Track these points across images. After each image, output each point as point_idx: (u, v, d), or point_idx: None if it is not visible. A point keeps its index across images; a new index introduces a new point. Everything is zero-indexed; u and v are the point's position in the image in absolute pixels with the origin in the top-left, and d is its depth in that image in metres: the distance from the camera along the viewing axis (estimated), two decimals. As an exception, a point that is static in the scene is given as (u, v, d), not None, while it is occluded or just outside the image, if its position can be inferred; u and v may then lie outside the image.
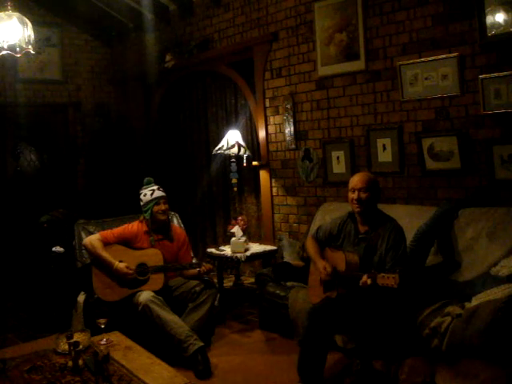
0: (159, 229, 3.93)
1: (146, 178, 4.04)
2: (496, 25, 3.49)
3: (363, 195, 3.11)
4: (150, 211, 3.87)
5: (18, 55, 3.17)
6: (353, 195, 3.15)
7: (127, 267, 3.66)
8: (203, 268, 3.79)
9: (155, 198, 3.88)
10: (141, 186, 4.02)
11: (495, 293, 2.93)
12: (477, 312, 2.81)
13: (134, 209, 4.13)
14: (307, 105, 4.80)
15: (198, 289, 3.74)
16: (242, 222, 4.75)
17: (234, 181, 5.05)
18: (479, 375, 2.64)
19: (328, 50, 4.53)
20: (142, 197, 3.94)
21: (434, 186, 3.96)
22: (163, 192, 3.96)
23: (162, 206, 3.88)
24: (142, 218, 3.94)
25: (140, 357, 2.70)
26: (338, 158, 4.58)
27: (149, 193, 3.91)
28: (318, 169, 4.75)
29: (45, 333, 3.87)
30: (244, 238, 4.60)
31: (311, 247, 3.36)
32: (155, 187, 3.95)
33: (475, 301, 2.98)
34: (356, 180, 3.18)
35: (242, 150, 4.88)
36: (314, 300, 3.20)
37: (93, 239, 3.80)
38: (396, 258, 3.00)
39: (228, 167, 5.35)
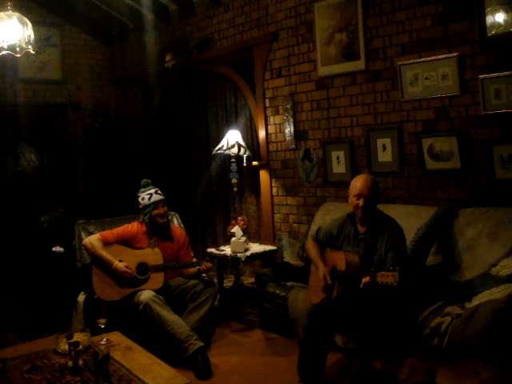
0: (159, 229, 3.93)
1: (144, 180, 4.00)
2: (496, 25, 3.50)
3: (368, 202, 3.09)
4: (148, 215, 3.87)
5: (18, 55, 3.18)
6: (357, 201, 3.11)
7: (126, 267, 3.67)
8: (203, 266, 3.79)
9: (153, 203, 3.86)
10: (140, 186, 4.01)
11: (495, 293, 2.94)
12: (477, 312, 2.81)
13: (133, 209, 4.12)
14: (307, 105, 4.80)
15: (198, 289, 3.74)
16: (242, 222, 4.75)
17: (234, 181, 5.04)
18: (479, 375, 2.64)
19: (328, 50, 4.53)
20: (140, 200, 3.92)
21: (434, 186, 3.96)
22: (161, 195, 3.94)
23: (161, 210, 3.87)
24: (141, 218, 3.94)
25: (140, 357, 2.71)
26: (338, 158, 4.57)
27: (146, 197, 3.88)
28: (318, 169, 4.74)
29: (45, 333, 3.87)
30: (244, 238, 4.59)
31: (312, 249, 3.36)
32: (153, 190, 3.92)
33: (475, 301, 2.99)
34: (360, 186, 3.12)
35: (242, 149, 4.88)
36: (314, 300, 3.20)
37: (93, 239, 3.81)
38: (396, 258, 3.00)
39: (228, 167, 5.35)
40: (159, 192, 3.95)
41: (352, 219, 3.25)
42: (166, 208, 3.92)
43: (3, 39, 3.06)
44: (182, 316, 3.62)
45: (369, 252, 3.10)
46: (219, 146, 4.99)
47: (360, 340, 3.19)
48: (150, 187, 3.96)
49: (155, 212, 3.86)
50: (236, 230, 4.68)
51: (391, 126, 4.16)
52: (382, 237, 3.09)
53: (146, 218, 3.89)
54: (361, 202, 3.10)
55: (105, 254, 3.72)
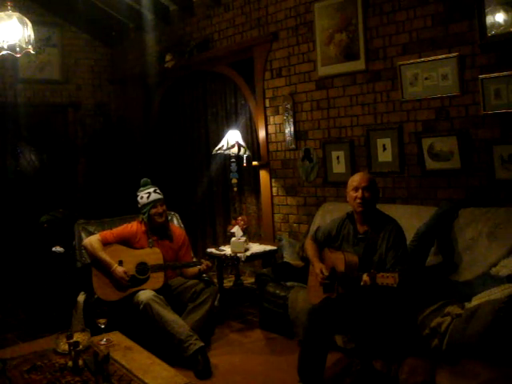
0: (158, 229, 3.93)
1: (143, 179, 4.03)
2: (496, 25, 3.50)
3: (366, 194, 3.10)
4: (147, 214, 3.88)
5: (18, 55, 3.17)
6: (356, 194, 3.12)
7: (125, 272, 3.67)
8: (203, 266, 3.79)
9: (152, 201, 3.87)
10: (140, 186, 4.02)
11: (495, 293, 2.93)
12: (477, 312, 2.81)
13: (133, 209, 4.13)
14: (307, 105, 4.80)
15: (197, 288, 3.74)
16: (242, 222, 4.75)
17: (234, 181, 5.04)
18: (479, 375, 2.64)
19: (328, 50, 4.53)
20: (139, 199, 3.94)
21: (434, 186, 3.96)
22: (160, 194, 3.95)
23: (159, 209, 3.88)
24: (140, 218, 3.94)
25: (140, 357, 2.70)
26: (337, 158, 4.57)
27: (145, 196, 3.90)
28: (318, 169, 4.74)
29: (45, 333, 3.87)
30: (244, 238, 4.59)
31: (310, 248, 3.37)
32: (151, 189, 3.93)
33: (475, 301, 2.98)
34: (358, 179, 3.16)
35: (242, 149, 4.88)
36: (314, 300, 3.20)
37: (92, 240, 3.80)
38: (396, 258, 3.00)
39: (228, 167, 5.35)
40: (158, 191, 3.96)
41: (351, 219, 3.24)
42: (164, 207, 3.92)
43: (3, 39, 3.06)
44: (182, 316, 3.62)
45: (368, 252, 3.10)
46: (219, 146, 4.99)
47: (360, 340, 3.19)
48: (149, 186, 3.97)
49: (153, 211, 3.86)
50: (236, 230, 4.68)
51: (391, 125, 4.16)
52: (382, 236, 3.09)
53: (144, 217, 3.89)
54: (359, 194, 3.10)
55: (104, 256, 3.71)
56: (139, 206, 3.94)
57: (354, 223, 3.22)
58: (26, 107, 6.34)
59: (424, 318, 3.01)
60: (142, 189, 3.97)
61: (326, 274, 3.07)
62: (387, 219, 3.18)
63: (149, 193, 3.91)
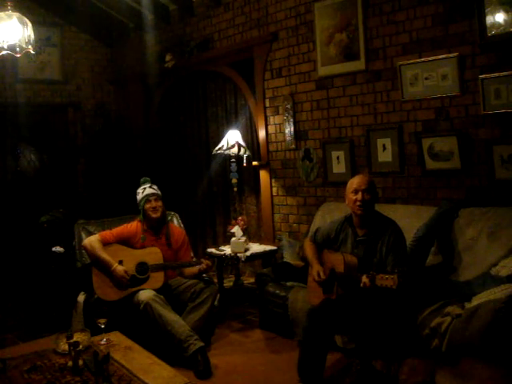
0: (155, 227, 3.93)
1: (142, 178, 4.08)
2: (496, 25, 3.49)
3: (367, 196, 3.09)
4: (142, 209, 3.90)
5: (18, 55, 3.17)
6: (356, 196, 3.11)
7: (125, 271, 3.67)
8: (203, 265, 3.79)
9: (145, 196, 3.90)
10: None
11: (495, 293, 2.94)
12: (477, 312, 2.81)
13: (133, 209, 4.13)
14: (307, 105, 4.80)
15: (197, 288, 3.74)
16: (242, 222, 4.75)
17: (234, 181, 5.04)
18: (479, 375, 2.64)
19: (328, 50, 4.53)
20: (136, 196, 3.99)
21: (434, 186, 3.96)
22: (155, 189, 3.98)
23: (153, 203, 3.88)
24: (140, 217, 3.95)
25: (140, 357, 2.71)
26: (338, 158, 4.57)
27: (141, 191, 3.96)
28: (318, 169, 4.74)
29: (45, 333, 3.87)
30: (244, 238, 4.60)
31: (309, 250, 3.36)
32: (147, 185, 3.98)
33: (475, 301, 2.98)
34: (358, 181, 3.15)
35: (242, 149, 4.88)
36: (314, 301, 3.20)
37: (92, 240, 3.81)
38: (396, 260, 2.99)
39: (228, 167, 5.35)
40: (154, 187, 4.00)
41: (350, 222, 3.23)
42: (159, 203, 3.92)
43: (3, 39, 3.05)
44: (182, 316, 3.62)
45: (368, 254, 3.09)
46: (219, 146, 4.98)
47: (360, 340, 3.19)
48: (147, 183, 4.02)
49: (147, 205, 3.88)
50: (236, 230, 4.68)
51: (391, 125, 4.16)
52: (381, 238, 3.08)
53: (140, 215, 3.93)
54: (359, 196, 3.09)
55: (104, 255, 3.72)
56: (137, 202, 3.97)
57: (353, 226, 3.21)
58: (26, 107, 6.34)
59: (424, 319, 3.01)
60: (140, 186, 4.02)
61: (323, 277, 3.07)
62: (386, 221, 3.17)
63: (144, 188, 3.97)
